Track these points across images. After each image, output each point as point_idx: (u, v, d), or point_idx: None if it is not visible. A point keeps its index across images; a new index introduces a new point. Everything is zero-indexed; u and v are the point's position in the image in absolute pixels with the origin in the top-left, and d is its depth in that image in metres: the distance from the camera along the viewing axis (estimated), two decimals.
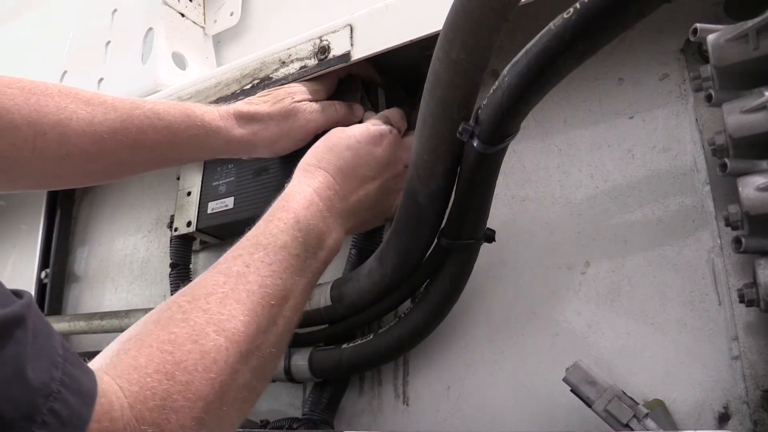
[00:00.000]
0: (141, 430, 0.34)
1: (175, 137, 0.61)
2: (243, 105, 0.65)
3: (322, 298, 0.62)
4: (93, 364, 0.36)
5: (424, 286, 0.60)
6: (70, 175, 0.59)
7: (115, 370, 0.36)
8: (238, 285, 0.44)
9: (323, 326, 0.66)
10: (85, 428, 0.31)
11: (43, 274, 1.05)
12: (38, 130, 0.54)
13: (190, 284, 0.45)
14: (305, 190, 0.54)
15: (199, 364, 0.38)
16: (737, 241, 0.45)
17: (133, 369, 0.37)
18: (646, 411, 0.46)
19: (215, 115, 0.63)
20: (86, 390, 0.32)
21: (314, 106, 0.66)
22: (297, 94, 0.66)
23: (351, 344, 0.63)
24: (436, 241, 0.57)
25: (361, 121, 0.67)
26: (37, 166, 0.56)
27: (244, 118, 0.64)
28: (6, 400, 0.28)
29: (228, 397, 0.40)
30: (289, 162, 0.70)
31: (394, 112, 0.66)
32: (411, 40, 0.58)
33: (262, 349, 0.44)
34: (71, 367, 0.32)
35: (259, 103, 0.65)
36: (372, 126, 0.61)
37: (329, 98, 0.69)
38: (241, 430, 0.68)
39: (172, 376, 0.37)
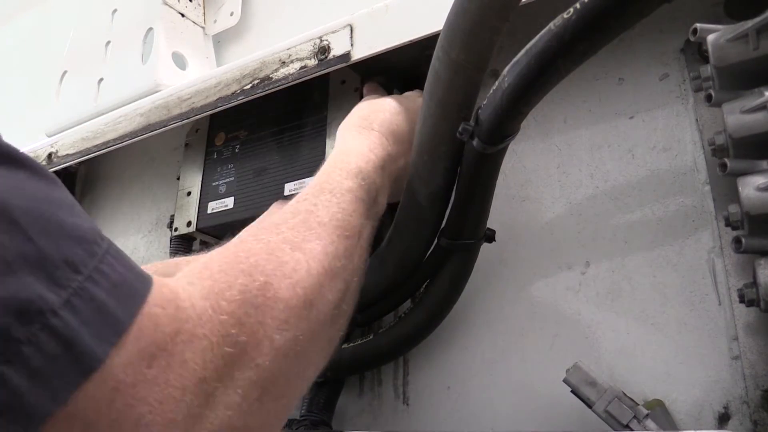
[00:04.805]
0: (220, 320, 0.30)
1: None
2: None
3: None
4: None
5: (424, 286, 0.60)
6: None
7: (181, 277, 0.33)
8: (308, 218, 0.42)
9: None
10: (143, 300, 0.27)
11: None
12: None
13: (253, 223, 0.42)
14: (362, 146, 0.53)
15: (277, 270, 0.35)
16: (737, 241, 0.45)
17: (203, 267, 0.33)
18: (646, 412, 0.46)
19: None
20: (140, 273, 0.29)
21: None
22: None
23: (351, 344, 0.63)
24: (436, 241, 0.57)
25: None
26: None
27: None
28: (61, 239, 0.25)
29: (318, 311, 0.37)
30: (288, 158, 0.72)
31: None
32: (411, 40, 0.58)
33: (345, 274, 0.41)
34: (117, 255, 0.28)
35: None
36: (418, 97, 0.60)
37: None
38: None
39: (249, 274, 0.34)
